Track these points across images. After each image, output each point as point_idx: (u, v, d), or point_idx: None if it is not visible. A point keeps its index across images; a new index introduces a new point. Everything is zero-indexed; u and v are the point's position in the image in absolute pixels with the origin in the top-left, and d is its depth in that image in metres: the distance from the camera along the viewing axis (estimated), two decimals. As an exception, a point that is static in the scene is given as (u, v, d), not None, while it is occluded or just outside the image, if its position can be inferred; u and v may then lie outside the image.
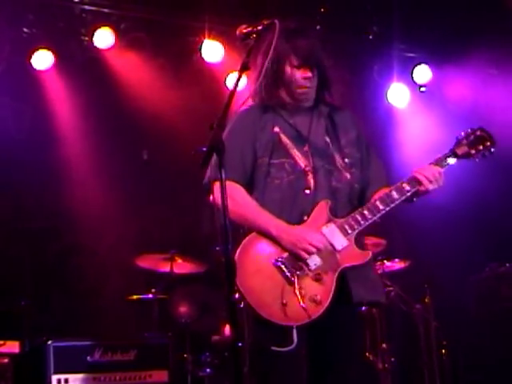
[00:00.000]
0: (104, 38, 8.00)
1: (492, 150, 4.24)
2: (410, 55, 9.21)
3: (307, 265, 3.88)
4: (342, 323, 3.98)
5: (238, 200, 3.99)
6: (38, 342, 6.38)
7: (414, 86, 9.32)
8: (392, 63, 9.07)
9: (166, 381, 6.53)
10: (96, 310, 8.12)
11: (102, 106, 8.37)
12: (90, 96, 8.28)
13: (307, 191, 3.99)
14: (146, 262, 7.61)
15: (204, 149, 3.48)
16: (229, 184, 3.95)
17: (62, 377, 6.14)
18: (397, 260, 7.87)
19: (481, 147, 4.20)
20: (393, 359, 7.48)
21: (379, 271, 7.73)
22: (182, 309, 7.63)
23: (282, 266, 3.87)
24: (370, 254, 3.99)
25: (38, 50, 7.93)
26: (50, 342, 6.18)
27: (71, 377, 6.17)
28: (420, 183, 4.05)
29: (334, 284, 3.87)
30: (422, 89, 9.34)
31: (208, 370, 7.19)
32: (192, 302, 7.64)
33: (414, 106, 9.35)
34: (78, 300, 8.16)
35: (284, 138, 4.09)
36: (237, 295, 3.59)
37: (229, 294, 3.35)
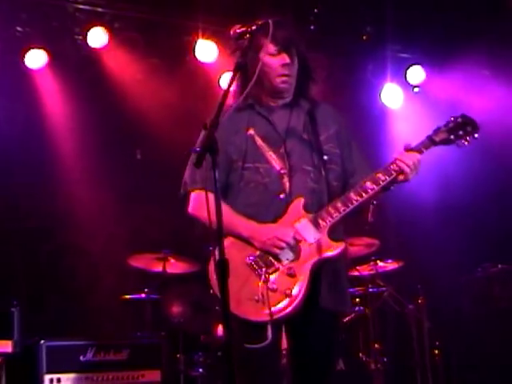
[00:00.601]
0: (97, 37, 8.00)
1: (475, 135, 4.06)
2: (403, 56, 9.23)
3: (279, 260, 3.85)
4: (316, 324, 3.94)
5: (212, 208, 4.00)
6: (30, 342, 6.36)
7: (408, 86, 9.34)
8: (386, 64, 9.08)
9: (158, 380, 6.53)
10: (89, 309, 8.10)
11: (95, 106, 8.35)
12: (83, 95, 8.26)
13: (281, 196, 3.96)
14: (138, 262, 7.59)
15: (198, 149, 3.46)
16: (197, 194, 4.05)
17: (55, 376, 6.13)
18: (390, 260, 7.89)
19: (461, 132, 4.05)
20: (385, 359, 7.50)
21: (372, 272, 7.76)
22: (175, 309, 7.62)
23: (254, 264, 3.85)
24: (344, 244, 3.93)
25: (31, 49, 7.92)
26: (42, 342, 6.17)
27: (64, 376, 6.16)
28: (400, 171, 3.94)
29: (308, 277, 3.83)
30: (416, 89, 9.36)
31: (200, 369, 7.18)
32: (185, 302, 7.63)
33: (407, 106, 9.37)
34: (70, 300, 8.13)
35: (259, 141, 4.04)
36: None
37: (222, 294, 3.34)
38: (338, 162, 4.13)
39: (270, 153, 4.01)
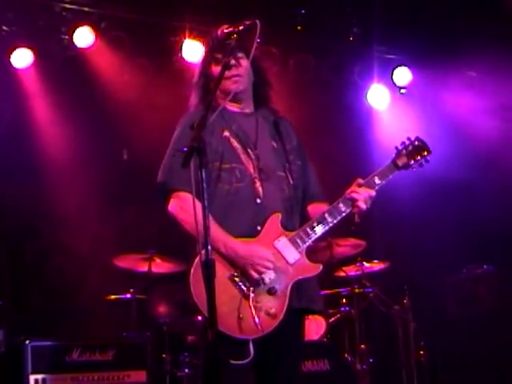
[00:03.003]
0: (84, 36, 7.99)
1: (428, 158, 4.32)
2: (390, 57, 9.25)
3: (262, 279, 3.90)
4: (285, 328, 3.93)
5: (192, 214, 4.00)
6: (15, 342, 6.34)
7: (394, 87, 9.36)
8: (372, 65, 9.11)
9: (144, 381, 6.50)
10: (74, 309, 8.08)
11: (81, 105, 8.33)
12: (69, 95, 8.24)
13: (258, 200, 4.02)
14: (124, 262, 7.57)
15: (185, 149, 3.45)
16: (184, 196, 4.02)
17: (40, 377, 6.10)
18: (376, 261, 7.92)
19: (418, 157, 4.30)
20: (371, 360, 7.51)
21: (359, 272, 7.78)
22: (161, 309, 7.62)
23: (238, 280, 3.89)
24: (321, 266, 4.03)
25: (17, 48, 7.90)
26: (27, 342, 6.14)
27: (49, 377, 6.13)
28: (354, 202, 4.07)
29: (288, 297, 3.92)
30: (402, 91, 9.38)
31: (186, 370, 7.14)
32: (170, 302, 7.62)
33: (393, 107, 9.39)
34: (56, 300, 8.11)
35: (234, 143, 4.11)
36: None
37: (208, 295, 3.33)
38: (301, 173, 4.25)
39: (245, 155, 4.10)
